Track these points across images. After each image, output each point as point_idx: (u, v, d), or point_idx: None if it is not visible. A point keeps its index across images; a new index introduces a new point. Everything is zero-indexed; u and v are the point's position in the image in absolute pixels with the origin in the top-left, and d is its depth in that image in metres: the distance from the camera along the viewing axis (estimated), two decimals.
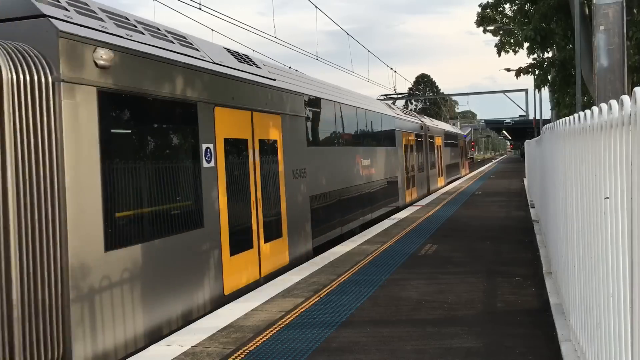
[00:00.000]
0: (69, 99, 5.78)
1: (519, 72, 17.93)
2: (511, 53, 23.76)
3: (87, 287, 5.86)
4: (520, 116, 61.02)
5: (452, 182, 34.70)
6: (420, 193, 25.10)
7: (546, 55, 17.85)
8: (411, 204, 21.83)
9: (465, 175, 43.17)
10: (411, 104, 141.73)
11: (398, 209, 19.85)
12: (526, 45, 16.53)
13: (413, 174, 23.91)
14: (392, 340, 5.92)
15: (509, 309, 6.93)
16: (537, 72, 16.10)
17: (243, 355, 5.65)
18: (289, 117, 11.38)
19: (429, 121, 30.95)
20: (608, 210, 3.23)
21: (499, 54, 24.16)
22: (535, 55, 18.09)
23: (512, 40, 23.61)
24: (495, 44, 24.23)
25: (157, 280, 6.94)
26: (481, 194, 24.50)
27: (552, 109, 28.32)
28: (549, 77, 15.74)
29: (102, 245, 6.10)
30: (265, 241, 9.87)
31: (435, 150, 30.63)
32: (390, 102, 33.30)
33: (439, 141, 31.81)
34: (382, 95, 37.83)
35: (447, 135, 36.24)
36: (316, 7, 19.28)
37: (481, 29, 23.80)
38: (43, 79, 5.51)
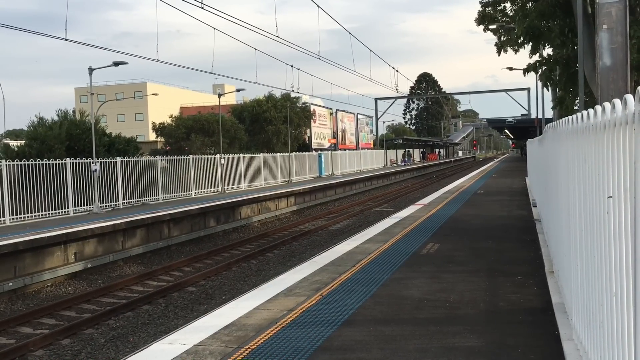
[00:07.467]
0: None
1: (526, 70, 17.98)
2: (512, 52, 23.82)
3: None
4: (522, 115, 61.09)
5: None
6: None
7: (552, 52, 17.87)
8: None
9: None
10: (413, 102, 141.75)
11: None
12: (521, 40, 16.51)
13: None
14: (394, 339, 5.92)
15: (511, 308, 6.93)
16: (543, 69, 16.09)
17: (245, 354, 5.65)
18: None
19: None
20: (611, 209, 3.23)
21: (498, 52, 24.21)
22: (537, 55, 18.13)
23: (510, 39, 23.65)
24: (495, 42, 24.28)
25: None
26: (483, 192, 24.49)
27: (553, 108, 28.31)
28: (553, 75, 15.73)
29: None
30: None
31: None
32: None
33: None
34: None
35: None
36: (318, 6, 19.32)
37: (482, 27, 23.84)
38: None
